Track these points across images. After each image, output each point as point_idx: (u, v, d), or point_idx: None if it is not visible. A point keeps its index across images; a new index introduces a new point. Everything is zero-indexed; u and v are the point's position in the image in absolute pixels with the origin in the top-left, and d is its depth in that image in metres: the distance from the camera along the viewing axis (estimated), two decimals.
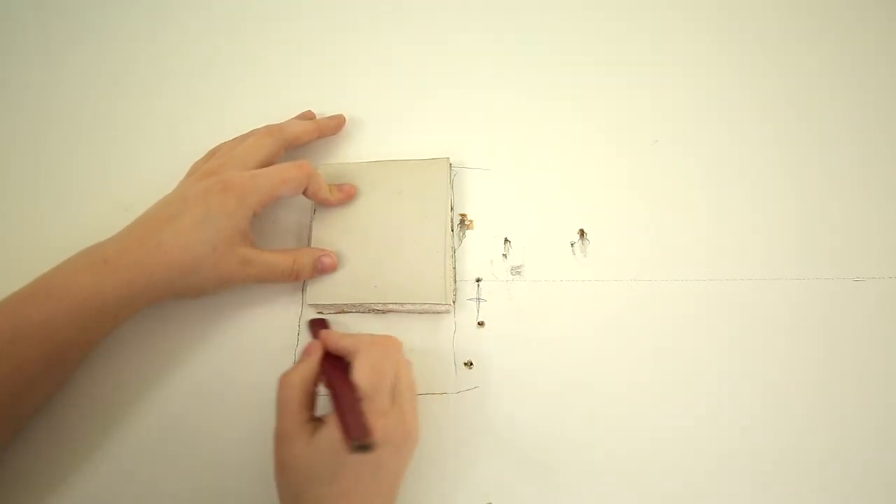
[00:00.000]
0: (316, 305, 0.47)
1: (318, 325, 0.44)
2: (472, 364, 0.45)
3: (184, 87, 0.57)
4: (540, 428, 0.43)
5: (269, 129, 0.48)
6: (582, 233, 0.48)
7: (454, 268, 0.47)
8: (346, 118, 0.53)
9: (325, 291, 0.46)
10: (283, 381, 0.38)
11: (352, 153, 0.53)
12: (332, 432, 0.35)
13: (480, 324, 0.46)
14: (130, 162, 0.54)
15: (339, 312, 0.47)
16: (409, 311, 0.46)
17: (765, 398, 0.43)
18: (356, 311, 0.47)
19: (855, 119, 0.51)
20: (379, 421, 0.36)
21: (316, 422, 0.38)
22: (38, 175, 0.54)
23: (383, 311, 0.46)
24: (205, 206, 0.41)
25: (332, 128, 0.52)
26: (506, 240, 0.49)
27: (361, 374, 0.37)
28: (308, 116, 0.53)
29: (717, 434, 0.42)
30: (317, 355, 0.40)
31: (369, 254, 0.47)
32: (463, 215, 0.49)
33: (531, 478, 0.42)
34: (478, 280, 0.48)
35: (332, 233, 0.48)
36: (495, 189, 0.50)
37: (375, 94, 0.55)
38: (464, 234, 0.49)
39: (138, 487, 0.43)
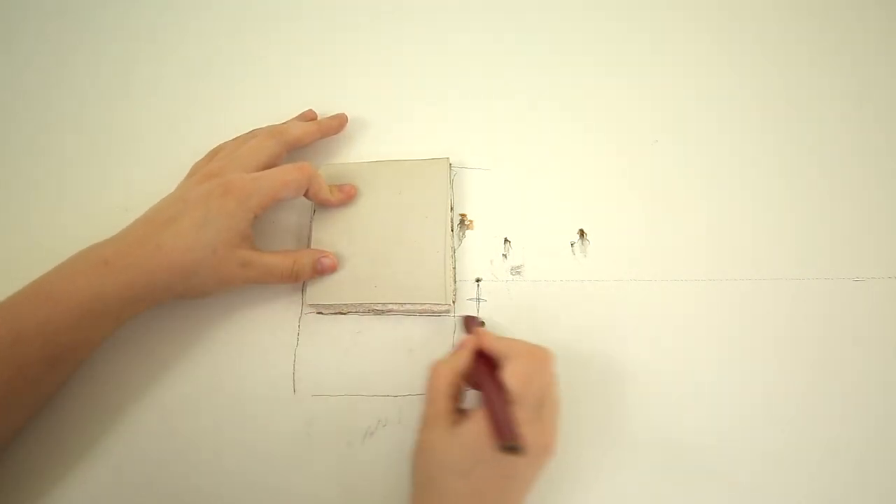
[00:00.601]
0: (316, 305, 0.47)
1: (472, 322, 0.44)
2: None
3: (184, 88, 0.57)
4: None
5: (271, 132, 0.48)
6: (582, 233, 0.48)
7: (454, 268, 0.47)
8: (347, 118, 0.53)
9: (324, 291, 0.46)
10: (435, 369, 0.39)
11: (352, 153, 0.53)
12: (476, 427, 0.35)
13: (480, 324, 0.46)
14: (130, 162, 0.54)
15: (338, 313, 0.47)
16: (408, 312, 0.46)
17: (764, 398, 0.43)
18: (356, 312, 0.47)
19: (855, 119, 0.51)
20: (522, 428, 0.35)
21: (459, 413, 0.38)
22: (37, 175, 0.54)
23: (383, 312, 0.46)
24: (205, 208, 0.41)
25: (335, 128, 0.52)
26: (506, 240, 0.49)
27: (513, 379, 0.36)
28: (309, 116, 0.53)
29: (717, 433, 0.42)
30: (471, 350, 0.40)
31: (369, 254, 0.47)
32: (463, 215, 0.49)
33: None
34: (478, 280, 0.48)
35: (332, 233, 0.48)
36: (495, 189, 0.50)
37: (375, 94, 0.55)
38: (464, 234, 0.49)
39: (138, 488, 0.43)
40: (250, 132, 0.50)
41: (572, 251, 0.48)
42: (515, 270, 0.48)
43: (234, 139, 0.50)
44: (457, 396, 0.39)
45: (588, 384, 0.44)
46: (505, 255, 0.48)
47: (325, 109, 0.54)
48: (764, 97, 0.52)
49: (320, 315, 0.47)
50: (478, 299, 0.47)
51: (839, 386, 0.43)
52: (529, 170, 0.51)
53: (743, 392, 0.43)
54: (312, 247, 0.47)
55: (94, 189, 0.53)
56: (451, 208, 0.48)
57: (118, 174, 0.54)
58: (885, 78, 0.52)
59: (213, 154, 0.49)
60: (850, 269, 0.46)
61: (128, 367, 0.46)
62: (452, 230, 0.48)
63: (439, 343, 0.46)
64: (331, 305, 0.46)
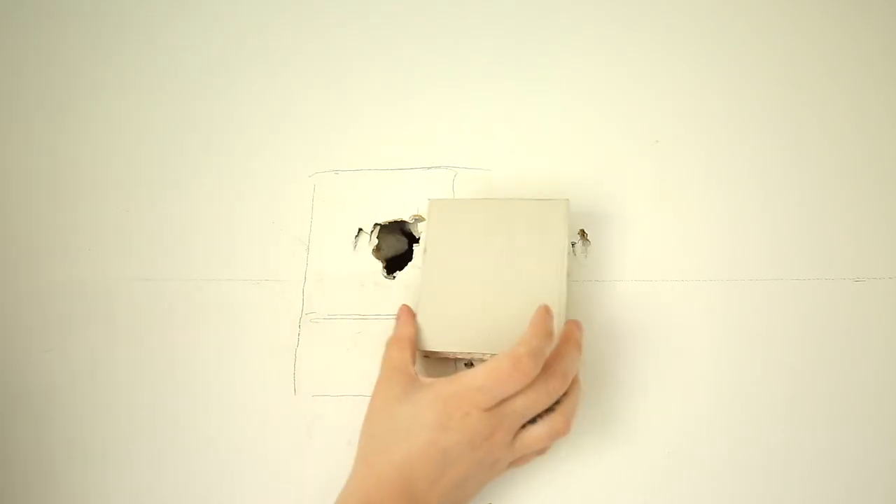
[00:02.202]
0: (425, 352, 0.43)
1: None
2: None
3: (184, 87, 0.57)
4: None
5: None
6: (582, 233, 0.48)
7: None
8: (350, 122, 0.53)
9: (436, 338, 0.43)
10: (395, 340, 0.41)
11: (354, 154, 0.52)
12: (434, 390, 0.37)
13: None
14: (130, 162, 0.54)
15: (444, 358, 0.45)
16: None
17: (765, 399, 0.43)
18: (465, 360, 0.44)
19: (856, 119, 0.51)
20: (475, 409, 0.36)
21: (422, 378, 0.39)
22: (37, 176, 0.54)
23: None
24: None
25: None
26: None
27: (488, 366, 0.37)
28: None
29: (717, 434, 0.42)
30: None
31: (481, 301, 0.43)
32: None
33: (531, 479, 0.42)
34: None
35: (444, 277, 0.44)
36: (495, 189, 0.50)
37: (375, 94, 0.55)
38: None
39: (136, 485, 0.43)
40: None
41: (573, 251, 0.48)
42: None
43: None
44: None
45: (588, 385, 0.44)
46: None
47: (324, 111, 0.54)
48: (765, 97, 0.52)
49: (320, 315, 0.47)
50: None
51: (839, 386, 0.43)
52: (529, 170, 0.51)
53: (743, 392, 0.43)
54: (424, 291, 0.44)
55: (93, 189, 0.53)
56: (570, 251, 0.45)
57: (118, 174, 0.54)
58: (887, 78, 0.52)
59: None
60: (851, 269, 0.46)
61: (128, 368, 0.46)
62: (568, 275, 0.44)
63: None
64: (440, 353, 0.43)
